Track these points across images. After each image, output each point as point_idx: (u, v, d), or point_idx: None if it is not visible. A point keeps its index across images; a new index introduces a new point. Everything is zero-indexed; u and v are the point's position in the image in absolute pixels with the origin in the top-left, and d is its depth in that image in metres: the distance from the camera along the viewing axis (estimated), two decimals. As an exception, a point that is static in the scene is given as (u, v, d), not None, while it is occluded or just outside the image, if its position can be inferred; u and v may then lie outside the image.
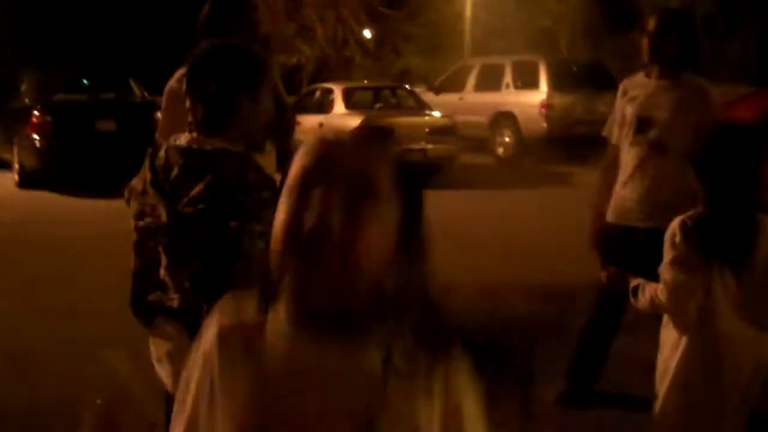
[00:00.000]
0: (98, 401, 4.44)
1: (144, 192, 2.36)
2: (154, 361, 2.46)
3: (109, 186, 11.11)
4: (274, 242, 1.21)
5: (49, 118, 12.37)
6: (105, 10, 17.28)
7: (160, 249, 2.29)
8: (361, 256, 1.16)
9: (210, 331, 1.33)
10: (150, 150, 2.44)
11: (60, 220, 10.19)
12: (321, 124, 13.85)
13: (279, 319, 1.24)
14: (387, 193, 1.19)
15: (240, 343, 1.26)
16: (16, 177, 12.88)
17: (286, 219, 1.19)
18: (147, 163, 2.40)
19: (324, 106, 14.42)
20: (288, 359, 1.21)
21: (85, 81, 14.40)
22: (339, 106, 14.12)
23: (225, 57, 2.40)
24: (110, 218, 9.74)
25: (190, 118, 2.40)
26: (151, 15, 16.16)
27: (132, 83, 14.05)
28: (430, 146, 13.28)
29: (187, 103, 2.40)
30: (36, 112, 12.45)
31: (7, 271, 7.44)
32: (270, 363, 1.22)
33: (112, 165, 12.14)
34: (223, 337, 1.29)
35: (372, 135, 1.25)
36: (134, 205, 2.40)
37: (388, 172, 1.20)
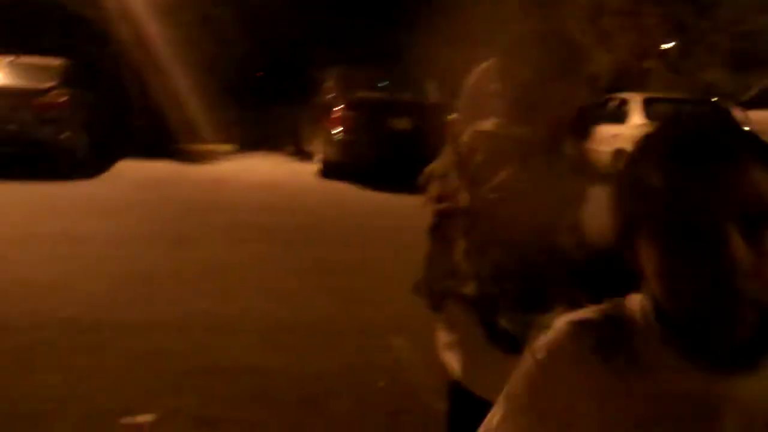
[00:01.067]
0: (381, 384, 4.53)
1: (445, 175, 2.32)
2: (441, 348, 2.41)
3: (402, 182, 11.59)
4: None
5: (350, 114, 13.01)
6: (407, 13, 17.85)
7: (459, 234, 2.23)
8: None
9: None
10: (452, 135, 2.40)
11: (355, 211, 10.68)
12: (615, 135, 13.41)
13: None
14: None
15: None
16: (318, 167, 13.68)
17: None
18: (449, 148, 2.36)
19: (620, 116, 13.94)
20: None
21: (384, 81, 14.99)
22: (636, 117, 13.58)
23: (541, 41, 2.30)
24: (402, 213, 10.12)
25: (497, 102, 2.33)
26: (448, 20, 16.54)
27: (428, 85, 14.42)
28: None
29: (495, 88, 2.32)
30: (338, 108, 13.15)
31: (298, 254, 7.87)
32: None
33: (406, 162, 12.58)
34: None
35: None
36: (434, 188, 2.37)
37: None
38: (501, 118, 2.26)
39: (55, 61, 13.63)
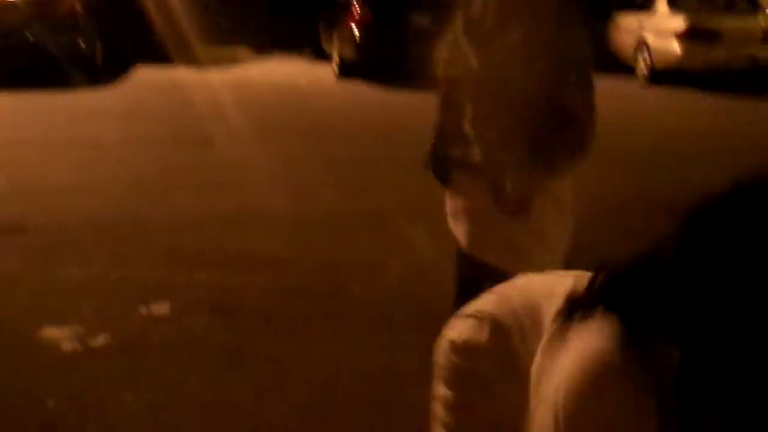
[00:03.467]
0: (396, 272, 4.54)
1: (455, 41, 2.25)
2: (449, 217, 2.38)
3: (420, 80, 11.43)
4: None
5: (367, 11, 12.76)
6: None
7: (467, 100, 2.17)
8: None
9: None
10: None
11: (372, 109, 10.59)
12: (641, 24, 13.08)
13: None
14: None
15: None
16: (336, 68, 13.50)
17: None
18: (459, 12, 2.29)
19: (645, 4, 13.53)
20: None
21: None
22: (662, 5, 13.19)
23: None
24: (419, 109, 10.02)
25: None
26: None
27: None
28: (761, 53, 12.10)
29: None
30: (355, 5, 12.89)
31: (316, 152, 7.83)
32: None
33: (426, 58, 12.40)
34: None
35: None
36: (444, 55, 2.30)
37: None
38: None
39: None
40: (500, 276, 2.25)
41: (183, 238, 5.13)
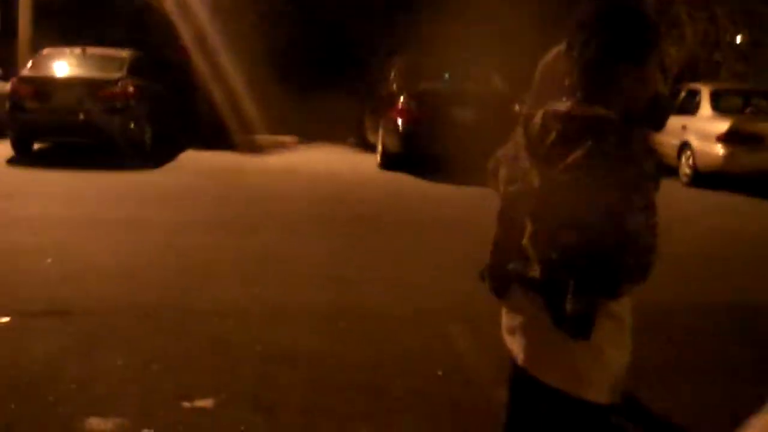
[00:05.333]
0: (439, 372, 4.50)
1: (515, 157, 2.27)
2: (504, 333, 2.36)
3: (465, 175, 11.55)
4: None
5: (413, 104, 12.96)
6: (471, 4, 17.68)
7: (527, 217, 2.17)
8: None
9: None
10: (523, 116, 2.34)
11: (416, 202, 10.65)
12: (684, 127, 13.12)
13: None
14: None
15: None
16: (380, 159, 13.66)
17: None
18: (520, 129, 2.31)
19: (689, 107, 13.60)
20: None
21: (448, 71, 14.82)
22: (705, 108, 13.26)
23: (614, 17, 2.22)
24: (463, 204, 10.11)
25: (568, 82, 2.26)
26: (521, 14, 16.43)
27: (494, 75, 14.28)
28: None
29: (566, 66, 2.26)
30: (402, 99, 13.10)
31: (358, 244, 7.87)
32: None
33: (469, 153, 12.50)
34: None
35: None
36: (503, 171, 2.32)
37: None
38: (574, 99, 2.19)
39: (123, 53, 13.88)
40: (555, 394, 2.24)
41: (226, 328, 5.13)
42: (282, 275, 6.53)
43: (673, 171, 13.05)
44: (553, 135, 2.17)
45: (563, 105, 2.22)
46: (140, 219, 8.48)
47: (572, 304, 2.05)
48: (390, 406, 4.10)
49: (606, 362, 2.16)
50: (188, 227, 8.23)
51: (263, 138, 16.15)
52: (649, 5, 2.50)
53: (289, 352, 4.77)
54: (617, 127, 2.12)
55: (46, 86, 12.86)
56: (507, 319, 2.34)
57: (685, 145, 13.15)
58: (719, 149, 12.43)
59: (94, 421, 3.72)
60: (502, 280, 2.32)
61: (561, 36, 2.65)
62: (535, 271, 2.15)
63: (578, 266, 2.06)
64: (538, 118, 2.26)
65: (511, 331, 2.32)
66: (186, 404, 3.96)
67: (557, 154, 2.13)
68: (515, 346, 2.29)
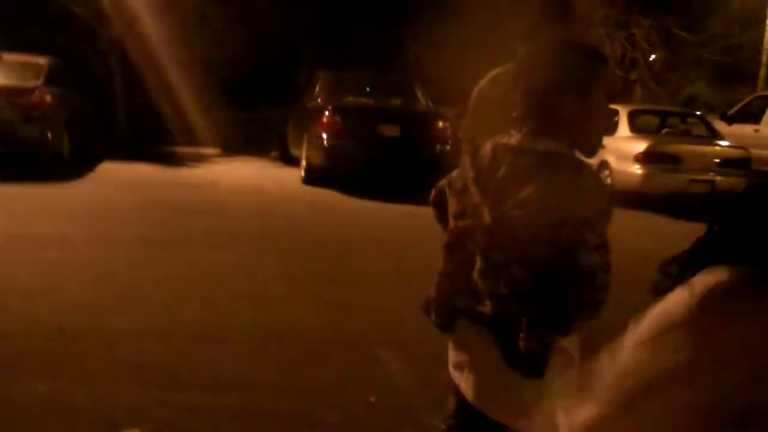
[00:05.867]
0: (371, 398, 4.45)
1: (464, 191, 2.25)
2: (451, 368, 2.35)
3: (388, 190, 11.59)
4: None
5: (337, 119, 12.93)
6: (400, 17, 17.77)
7: (478, 252, 2.16)
8: None
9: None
10: (471, 148, 2.33)
11: (341, 218, 10.60)
12: (603, 146, 13.40)
13: None
14: None
15: None
16: (304, 173, 13.58)
17: None
18: (467, 160, 2.30)
19: (609, 129, 13.92)
20: None
21: (368, 89, 14.80)
22: (623, 129, 13.59)
23: (559, 52, 2.23)
24: (387, 222, 10.12)
25: (516, 114, 2.26)
26: (438, 26, 16.56)
27: (418, 92, 14.36)
28: (719, 178, 12.48)
29: (518, 101, 2.25)
30: (327, 113, 13.06)
31: (284, 261, 7.80)
32: None
33: (394, 170, 12.55)
34: None
35: None
36: (452, 204, 2.30)
37: None
38: (524, 132, 2.18)
39: (40, 59, 13.49)
40: (503, 430, 2.23)
41: (151, 353, 4.99)
42: (208, 293, 6.41)
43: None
44: (503, 169, 2.17)
45: (513, 138, 2.22)
46: (58, 234, 8.22)
47: (526, 342, 2.04)
48: (321, 433, 4.05)
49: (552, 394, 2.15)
50: (109, 243, 8.02)
51: (186, 149, 15.91)
52: (597, 39, 2.52)
53: (217, 377, 4.66)
54: (569, 162, 2.12)
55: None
56: (454, 355, 2.33)
57: (603, 165, 13.44)
58: (637, 169, 12.74)
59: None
60: (448, 314, 2.30)
61: (485, 56, 2.65)
62: (486, 307, 2.14)
63: (530, 303, 2.05)
64: (487, 151, 2.25)
65: (459, 367, 2.30)
66: (113, 435, 3.83)
67: (508, 189, 2.13)
68: (464, 382, 2.28)
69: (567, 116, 2.18)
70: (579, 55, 2.24)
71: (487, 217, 2.15)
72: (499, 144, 2.22)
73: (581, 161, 2.15)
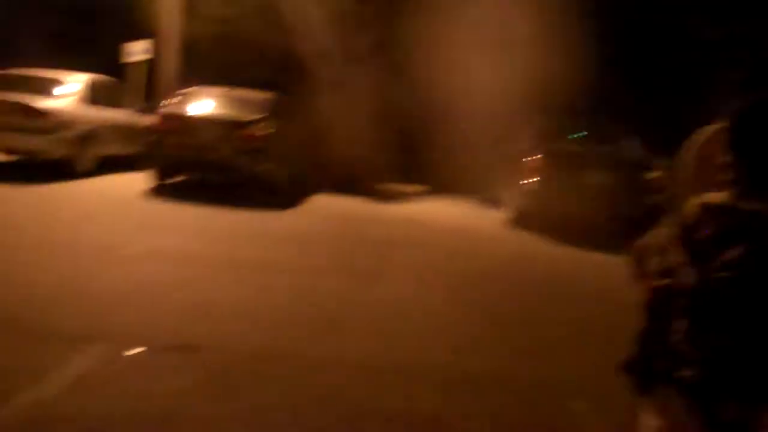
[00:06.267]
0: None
1: (666, 249, 2.19)
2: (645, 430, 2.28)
3: (593, 239, 11.31)
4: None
5: (546, 164, 12.82)
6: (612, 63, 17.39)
7: (680, 313, 2.09)
8: None
9: None
10: (675, 206, 2.27)
11: (544, 264, 10.47)
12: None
13: None
14: None
15: None
16: (508, 216, 13.55)
17: None
18: (671, 219, 2.24)
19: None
20: None
21: (583, 132, 14.59)
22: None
23: None
24: (592, 272, 9.88)
25: (726, 176, 2.18)
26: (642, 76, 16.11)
27: (629, 140, 13.98)
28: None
29: (728, 159, 2.18)
30: (534, 157, 13.00)
31: (485, 302, 7.83)
32: None
33: (601, 218, 12.26)
34: None
35: None
36: (655, 262, 2.25)
37: None
38: (732, 191, 2.11)
39: (263, 95, 14.31)
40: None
41: (346, 381, 5.15)
42: (406, 328, 6.56)
43: None
44: (710, 229, 2.10)
45: (721, 197, 2.15)
46: (269, 260, 8.66)
47: (730, 410, 1.95)
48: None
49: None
50: (316, 271, 8.36)
51: (393, 187, 16.30)
52: None
53: (408, 412, 4.75)
54: None
55: (187, 122, 13.37)
56: (650, 419, 2.26)
57: None
58: None
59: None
60: (647, 376, 2.23)
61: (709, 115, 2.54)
62: (689, 372, 2.06)
63: (737, 370, 1.96)
64: (693, 209, 2.19)
65: (657, 432, 2.23)
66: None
67: (714, 250, 2.06)
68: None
69: None
70: None
71: (690, 277, 2.08)
72: (705, 202, 2.16)
73: None
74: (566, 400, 5.18)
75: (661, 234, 2.30)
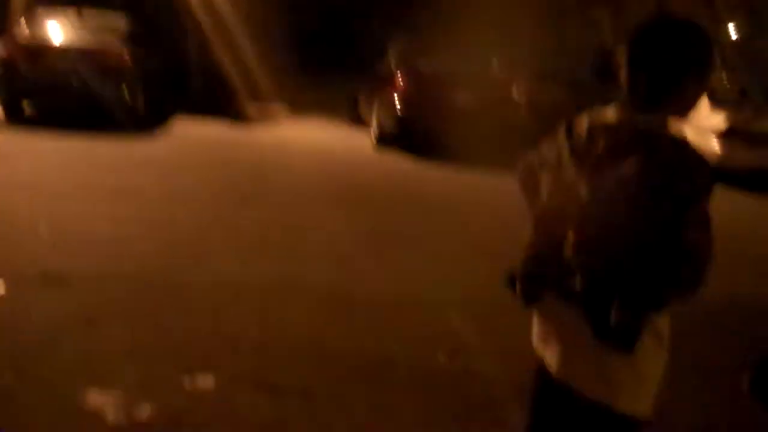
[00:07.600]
0: (442, 359, 4.47)
1: (559, 166, 2.20)
2: (535, 341, 2.32)
3: (458, 157, 11.49)
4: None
5: (411, 84, 12.85)
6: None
7: (572, 227, 2.11)
8: None
9: None
10: (565, 122, 2.28)
11: (413, 183, 10.56)
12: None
13: None
14: None
15: None
16: (375, 137, 13.57)
17: None
18: (563, 134, 2.24)
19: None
20: None
21: (448, 53, 14.62)
22: (703, 104, 13.20)
23: (678, 31, 2.15)
24: (457, 188, 10.06)
25: (621, 92, 2.20)
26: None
27: (494, 59, 14.15)
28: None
29: (623, 75, 2.19)
30: (399, 78, 13.00)
31: (357, 221, 7.84)
32: None
33: (466, 136, 12.44)
34: None
35: None
36: (547, 179, 2.25)
37: None
38: (624, 107, 2.13)
39: (118, 19, 13.68)
40: (585, 404, 2.19)
41: (224, 306, 5.08)
42: (281, 249, 6.52)
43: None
44: (601, 145, 2.11)
45: (613, 113, 2.16)
46: (131, 188, 8.35)
47: (618, 316, 1.99)
48: (392, 391, 4.07)
49: (644, 376, 2.11)
50: (180, 197, 8.15)
51: (258, 108, 16.01)
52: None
53: (289, 332, 4.73)
54: (672, 139, 2.05)
55: (40, 50, 12.65)
56: (539, 326, 2.30)
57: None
58: (715, 145, 12.42)
59: (94, 396, 3.67)
60: (536, 286, 2.25)
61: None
62: (577, 281, 2.09)
63: (626, 279, 2.00)
64: (584, 126, 2.20)
65: (544, 340, 2.27)
66: (187, 382, 3.91)
67: (607, 165, 2.07)
68: (549, 354, 2.24)
69: (678, 96, 2.12)
70: (698, 35, 2.16)
71: (583, 191, 2.10)
72: (595, 120, 2.17)
73: (683, 137, 2.08)
74: (447, 315, 5.25)
75: (548, 149, 2.30)
